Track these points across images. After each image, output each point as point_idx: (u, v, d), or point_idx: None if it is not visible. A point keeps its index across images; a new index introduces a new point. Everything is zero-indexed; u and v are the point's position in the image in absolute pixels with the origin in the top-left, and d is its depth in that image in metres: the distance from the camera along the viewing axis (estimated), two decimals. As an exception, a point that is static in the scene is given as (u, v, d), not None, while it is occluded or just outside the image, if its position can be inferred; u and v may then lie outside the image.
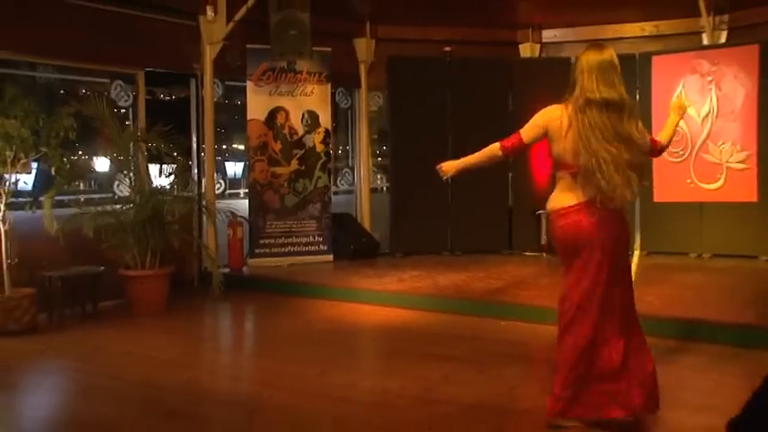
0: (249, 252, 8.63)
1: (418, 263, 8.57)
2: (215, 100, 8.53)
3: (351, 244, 9.06)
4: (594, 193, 3.53)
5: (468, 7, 9.05)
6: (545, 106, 3.73)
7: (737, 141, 8.31)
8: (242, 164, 11.96)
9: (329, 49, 8.80)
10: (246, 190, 9.29)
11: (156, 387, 4.62)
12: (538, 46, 10.24)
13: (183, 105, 8.65)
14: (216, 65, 8.28)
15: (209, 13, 8.12)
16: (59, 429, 4.17)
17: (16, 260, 6.10)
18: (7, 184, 5.99)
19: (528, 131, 3.72)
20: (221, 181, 9.90)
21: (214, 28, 8.17)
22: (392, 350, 5.54)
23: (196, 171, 8.49)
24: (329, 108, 9.05)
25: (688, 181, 8.58)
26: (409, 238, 9.26)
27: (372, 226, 9.77)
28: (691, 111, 8.13)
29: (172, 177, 7.35)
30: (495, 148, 3.78)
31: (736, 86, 8.29)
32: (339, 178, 10.38)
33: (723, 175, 8.39)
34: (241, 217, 8.50)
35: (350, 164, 10.47)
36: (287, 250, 8.73)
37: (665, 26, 9.51)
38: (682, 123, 4.16)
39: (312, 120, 8.82)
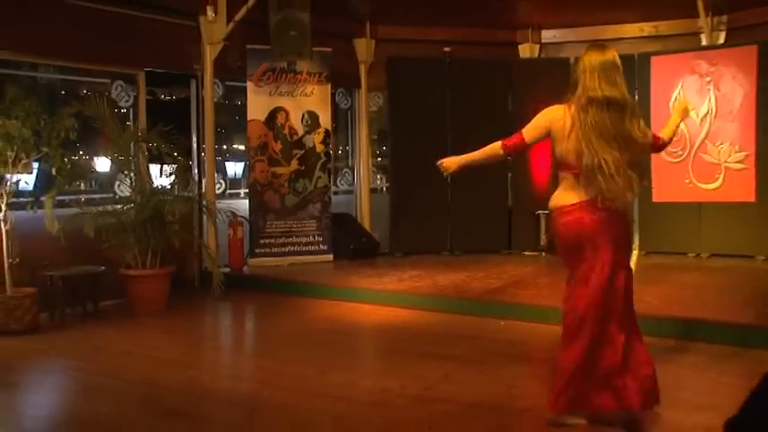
0: (249, 252, 8.64)
1: (418, 263, 8.58)
2: (215, 100, 8.53)
3: (351, 244, 9.08)
4: (596, 193, 3.55)
5: (467, 7, 9.05)
6: (545, 106, 3.73)
7: (736, 141, 8.33)
8: (242, 164, 11.99)
9: (329, 49, 8.81)
10: (247, 190, 9.31)
11: (156, 386, 4.63)
12: (537, 46, 10.24)
13: (183, 106, 8.66)
14: (216, 65, 8.29)
15: (210, 13, 8.13)
16: (60, 428, 4.18)
17: (17, 260, 6.11)
18: (8, 184, 6.01)
19: (530, 132, 3.73)
20: (222, 181, 9.92)
21: (214, 28, 8.18)
22: (392, 349, 5.55)
23: (196, 171, 8.51)
24: (329, 108, 9.06)
25: (686, 181, 8.60)
26: (409, 237, 9.27)
27: (372, 226, 9.78)
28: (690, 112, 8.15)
29: (172, 177, 7.37)
30: (496, 147, 3.79)
31: (735, 87, 8.31)
32: (339, 178, 10.39)
33: (721, 176, 8.41)
34: (241, 217, 8.51)
35: (350, 164, 10.48)
36: (287, 250, 8.74)
37: (663, 27, 9.52)
38: (681, 123, 4.19)
39: (312, 120, 8.83)
